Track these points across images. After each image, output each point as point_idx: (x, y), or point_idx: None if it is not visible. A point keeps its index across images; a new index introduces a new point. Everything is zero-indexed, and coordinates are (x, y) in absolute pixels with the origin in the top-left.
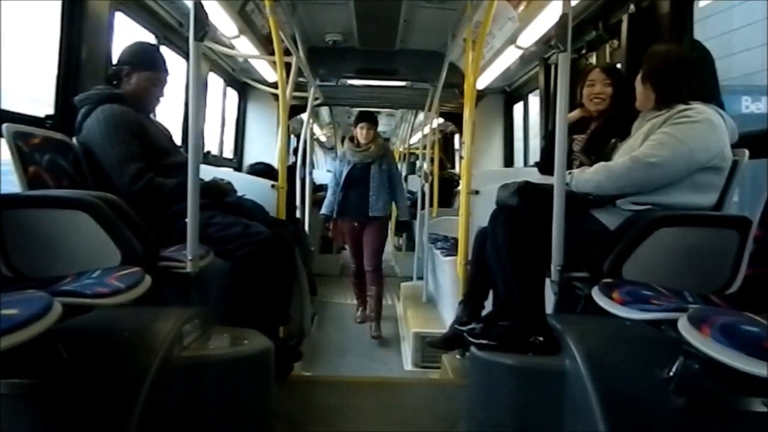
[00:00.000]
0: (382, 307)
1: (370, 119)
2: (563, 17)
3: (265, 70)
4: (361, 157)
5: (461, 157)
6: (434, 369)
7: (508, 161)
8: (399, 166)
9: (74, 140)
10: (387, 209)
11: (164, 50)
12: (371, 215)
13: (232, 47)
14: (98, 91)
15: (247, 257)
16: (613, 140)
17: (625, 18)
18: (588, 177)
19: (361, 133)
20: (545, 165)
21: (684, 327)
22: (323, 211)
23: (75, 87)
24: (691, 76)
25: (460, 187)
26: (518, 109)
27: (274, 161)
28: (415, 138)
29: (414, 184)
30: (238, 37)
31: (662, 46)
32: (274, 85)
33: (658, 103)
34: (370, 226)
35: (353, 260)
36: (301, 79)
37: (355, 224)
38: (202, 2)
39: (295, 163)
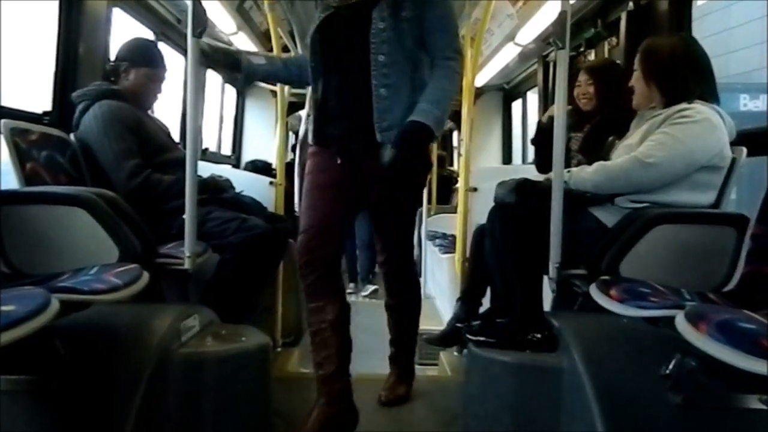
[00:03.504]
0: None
1: None
2: (562, 14)
3: None
4: None
5: (460, 155)
6: (432, 366)
7: (507, 158)
8: None
9: (72, 137)
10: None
11: (162, 47)
12: (381, 141)
13: (230, 44)
14: (96, 88)
15: (241, 246)
16: (611, 138)
17: (623, 15)
18: (586, 177)
19: None
20: (541, 163)
21: (681, 324)
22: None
23: (73, 83)
24: (700, 74)
25: (458, 185)
26: (517, 106)
27: (273, 158)
28: None
29: None
30: (236, 33)
31: (662, 42)
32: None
33: (665, 102)
34: (378, 169)
35: (305, 240)
36: None
37: (338, 160)
38: None
39: (293, 160)
